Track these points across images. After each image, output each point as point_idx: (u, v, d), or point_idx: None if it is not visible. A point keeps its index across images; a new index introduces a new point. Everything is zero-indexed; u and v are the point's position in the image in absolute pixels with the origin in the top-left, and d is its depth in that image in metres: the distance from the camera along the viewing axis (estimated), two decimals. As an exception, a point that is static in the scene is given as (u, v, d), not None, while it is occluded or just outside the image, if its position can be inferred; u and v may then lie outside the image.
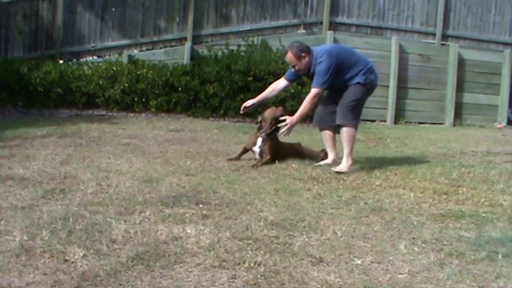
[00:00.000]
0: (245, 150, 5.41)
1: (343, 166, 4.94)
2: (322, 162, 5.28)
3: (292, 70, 5.20)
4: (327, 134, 5.35)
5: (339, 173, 4.78)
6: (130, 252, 2.70)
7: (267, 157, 5.21)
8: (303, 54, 5.01)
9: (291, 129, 5.02)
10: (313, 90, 4.98)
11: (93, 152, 5.43)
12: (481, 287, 2.50)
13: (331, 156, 5.34)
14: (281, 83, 5.39)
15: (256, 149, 5.29)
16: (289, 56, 5.07)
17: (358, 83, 5.03)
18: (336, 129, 5.21)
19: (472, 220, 3.53)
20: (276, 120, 5.15)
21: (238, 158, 5.35)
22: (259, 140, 5.29)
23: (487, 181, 4.81)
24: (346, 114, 5.01)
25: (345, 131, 5.04)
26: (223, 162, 5.27)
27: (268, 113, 5.32)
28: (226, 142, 6.73)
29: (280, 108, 5.41)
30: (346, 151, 5.01)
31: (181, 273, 2.51)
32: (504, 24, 11.94)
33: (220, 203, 3.70)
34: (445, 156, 6.32)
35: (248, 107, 5.37)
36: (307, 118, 9.43)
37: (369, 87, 5.12)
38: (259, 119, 5.37)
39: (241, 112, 5.44)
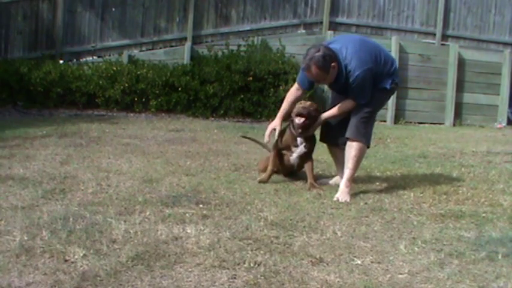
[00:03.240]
0: (277, 154, 4.47)
1: (345, 194, 4.05)
2: (331, 181, 4.57)
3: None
4: (337, 151, 4.48)
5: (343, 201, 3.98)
6: (130, 252, 2.70)
7: (312, 159, 4.50)
8: (333, 64, 3.98)
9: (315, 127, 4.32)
10: (356, 103, 4.14)
11: (93, 152, 5.43)
12: (481, 287, 2.50)
13: (341, 174, 4.42)
14: (297, 91, 4.42)
15: (301, 149, 4.42)
16: (316, 73, 4.00)
17: (384, 88, 4.19)
18: (343, 143, 4.33)
19: (472, 220, 3.53)
20: (310, 116, 4.32)
21: (269, 177, 4.44)
22: (299, 140, 4.41)
23: (487, 181, 4.81)
24: (360, 128, 4.14)
25: (357, 149, 4.14)
26: (223, 162, 5.27)
27: (294, 111, 4.37)
28: (226, 142, 6.72)
29: (314, 106, 4.38)
30: (350, 172, 4.12)
31: (181, 273, 2.51)
32: (504, 24, 11.92)
33: (220, 203, 3.70)
34: (445, 156, 6.32)
35: (279, 129, 4.42)
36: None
37: (392, 92, 4.40)
38: (292, 116, 4.40)
39: (267, 139, 4.46)
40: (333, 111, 4.27)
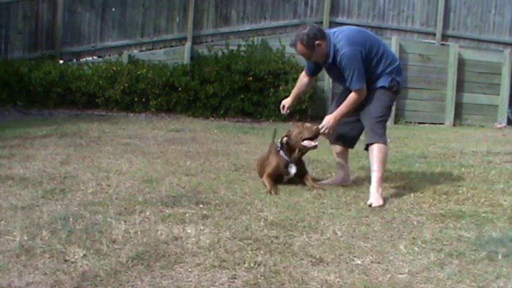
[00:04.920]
0: (274, 177, 4.35)
1: (378, 198, 3.92)
2: (326, 181, 4.55)
3: (312, 62, 4.31)
4: (338, 148, 4.49)
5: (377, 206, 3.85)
6: (130, 252, 2.70)
7: (306, 171, 4.50)
8: (317, 42, 4.03)
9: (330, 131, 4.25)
10: (355, 92, 4.06)
11: (93, 152, 5.43)
12: (481, 287, 2.50)
13: (340, 174, 4.53)
14: (304, 77, 4.51)
15: (291, 174, 4.41)
16: (300, 48, 4.08)
17: (383, 87, 4.13)
18: (349, 144, 4.48)
19: (472, 220, 3.53)
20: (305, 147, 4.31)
21: (275, 186, 4.23)
22: (292, 166, 4.38)
23: (487, 181, 4.81)
24: (375, 129, 4.09)
25: (378, 150, 4.06)
26: (223, 162, 5.27)
27: (295, 134, 4.32)
28: (226, 142, 6.73)
29: (313, 128, 4.29)
30: (377, 175, 4.02)
31: (181, 273, 2.51)
32: (504, 24, 11.92)
33: (220, 203, 3.71)
34: (445, 156, 6.32)
35: (289, 107, 4.53)
36: (307, 118, 9.47)
37: (395, 91, 4.21)
38: (286, 139, 4.37)
39: (284, 112, 4.56)
40: (340, 109, 4.15)
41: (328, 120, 4.18)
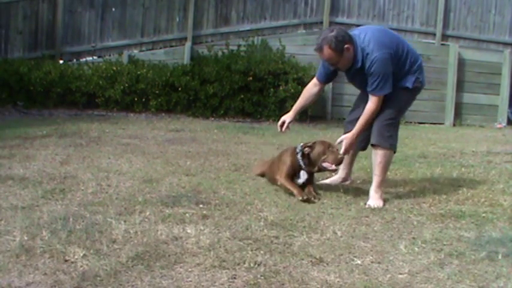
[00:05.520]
0: (291, 178, 4.21)
1: (376, 199, 3.92)
2: (327, 181, 4.54)
3: (331, 68, 4.02)
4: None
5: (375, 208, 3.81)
6: (130, 252, 2.70)
7: (313, 183, 4.29)
8: (346, 46, 3.76)
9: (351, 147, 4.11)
10: (375, 99, 3.87)
11: (93, 152, 5.43)
12: (481, 287, 2.50)
13: (342, 174, 4.50)
14: (314, 87, 4.25)
15: (302, 180, 4.22)
16: (328, 53, 3.78)
17: (406, 88, 4.00)
18: (362, 146, 4.32)
19: (472, 220, 3.54)
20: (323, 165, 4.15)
21: (300, 189, 4.10)
22: (304, 174, 4.21)
23: (487, 181, 4.82)
24: (382, 131, 3.94)
25: (381, 155, 3.98)
26: (223, 162, 5.27)
27: (319, 153, 4.13)
28: (226, 142, 6.72)
29: (338, 157, 4.09)
30: (377, 179, 3.98)
31: (181, 273, 2.51)
32: (504, 24, 11.91)
33: (220, 203, 3.71)
34: (445, 156, 6.32)
35: (289, 123, 4.30)
36: (307, 118, 9.48)
37: (416, 92, 4.14)
38: (307, 150, 4.17)
39: (282, 130, 4.31)
40: (359, 125, 3.95)
41: (349, 140, 3.99)
